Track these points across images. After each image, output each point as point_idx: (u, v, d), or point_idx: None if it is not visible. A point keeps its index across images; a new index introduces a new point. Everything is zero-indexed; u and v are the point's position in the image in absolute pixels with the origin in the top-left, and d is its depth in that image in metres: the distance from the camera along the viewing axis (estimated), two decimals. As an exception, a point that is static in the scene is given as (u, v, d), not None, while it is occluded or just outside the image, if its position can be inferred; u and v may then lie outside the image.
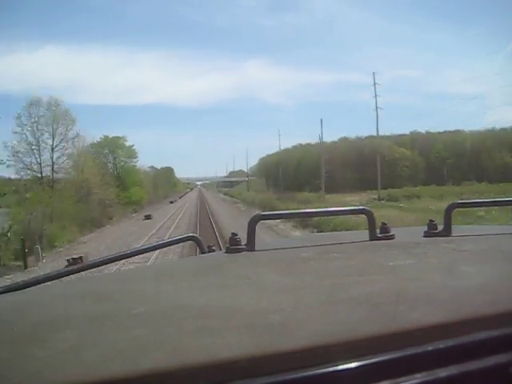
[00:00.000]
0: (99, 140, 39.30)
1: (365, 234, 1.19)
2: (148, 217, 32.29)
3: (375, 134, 38.89)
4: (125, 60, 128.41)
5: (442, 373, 0.53)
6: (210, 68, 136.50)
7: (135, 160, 44.51)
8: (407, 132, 53.11)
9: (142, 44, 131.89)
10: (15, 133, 27.71)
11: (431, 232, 1.20)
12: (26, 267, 15.25)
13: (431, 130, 50.92)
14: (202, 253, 1.31)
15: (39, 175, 27.84)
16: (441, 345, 0.54)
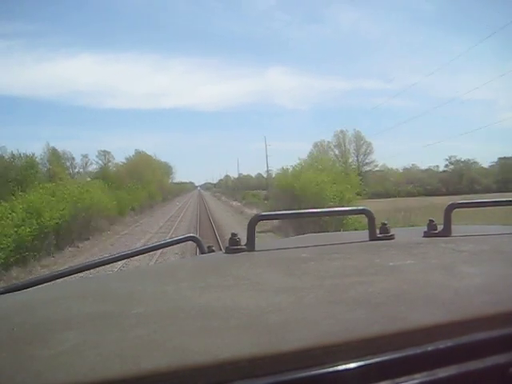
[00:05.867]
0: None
1: (365, 234, 1.19)
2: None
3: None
4: (156, 67, 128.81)
5: (442, 373, 0.53)
6: (232, 75, 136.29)
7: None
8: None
9: (172, 51, 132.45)
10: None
11: (431, 232, 1.20)
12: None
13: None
14: (202, 253, 1.32)
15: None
16: (441, 345, 0.54)
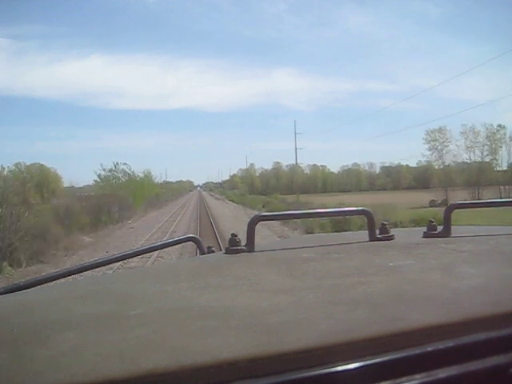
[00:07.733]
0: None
1: (364, 235, 1.19)
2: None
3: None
4: (164, 68, 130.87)
5: (442, 373, 0.53)
6: (239, 76, 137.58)
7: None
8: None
9: (181, 53, 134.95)
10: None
11: (431, 233, 1.20)
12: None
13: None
14: (202, 253, 1.32)
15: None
16: (440, 345, 0.54)
